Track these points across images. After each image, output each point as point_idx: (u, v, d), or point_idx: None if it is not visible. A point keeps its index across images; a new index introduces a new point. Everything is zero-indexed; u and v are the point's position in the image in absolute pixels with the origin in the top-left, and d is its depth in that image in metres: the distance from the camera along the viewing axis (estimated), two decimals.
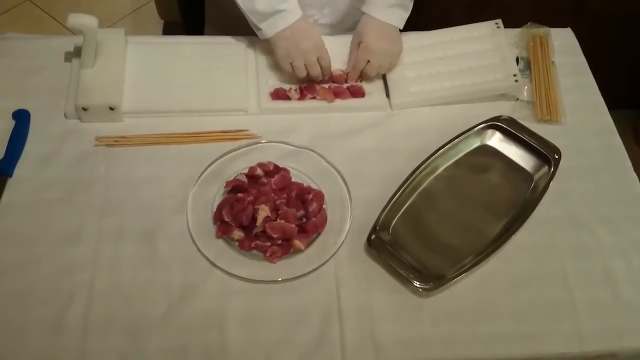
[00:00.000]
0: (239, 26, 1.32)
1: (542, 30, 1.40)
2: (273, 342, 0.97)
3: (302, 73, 1.24)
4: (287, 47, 1.23)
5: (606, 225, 1.13)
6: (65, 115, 1.21)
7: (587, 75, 1.36)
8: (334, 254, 1.06)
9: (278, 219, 1.06)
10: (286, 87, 1.26)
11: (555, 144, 1.18)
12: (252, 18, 1.24)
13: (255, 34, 1.31)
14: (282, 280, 1.03)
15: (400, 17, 1.29)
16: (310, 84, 1.27)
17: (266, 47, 1.32)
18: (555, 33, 1.41)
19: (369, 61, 1.25)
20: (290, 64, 1.24)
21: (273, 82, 1.28)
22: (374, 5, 1.27)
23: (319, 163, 1.17)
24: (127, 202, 1.11)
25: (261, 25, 1.24)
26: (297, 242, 1.05)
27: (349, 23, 1.40)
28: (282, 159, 1.17)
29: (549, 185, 1.13)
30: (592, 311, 1.03)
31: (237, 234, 1.06)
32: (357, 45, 1.28)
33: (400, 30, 1.30)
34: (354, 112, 1.26)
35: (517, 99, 1.30)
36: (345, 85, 1.28)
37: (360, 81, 1.29)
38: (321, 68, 1.25)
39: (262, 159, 1.15)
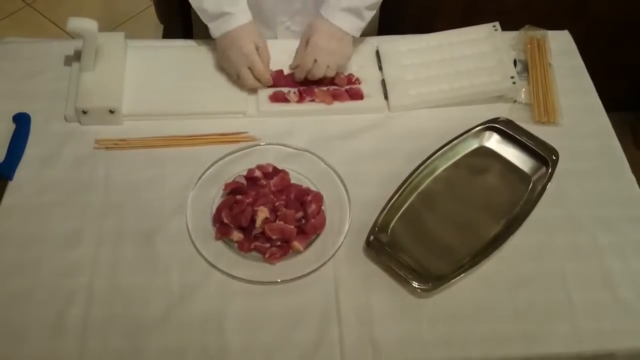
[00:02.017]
0: None
1: (540, 32, 1.41)
2: (272, 343, 0.98)
3: (233, 79, 1.27)
4: (220, 56, 1.27)
5: (604, 226, 1.13)
6: (65, 119, 1.22)
7: (585, 77, 1.37)
8: (332, 255, 1.06)
9: (277, 221, 1.06)
10: (285, 90, 1.27)
11: (552, 145, 1.18)
12: (201, 16, 1.25)
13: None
14: (281, 282, 1.03)
15: (353, 23, 1.27)
16: (309, 87, 1.27)
17: (270, 50, 1.33)
18: (552, 35, 1.42)
19: (315, 60, 1.24)
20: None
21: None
22: (327, 6, 1.27)
23: (318, 165, 1.18)
24: (127, 204, 1.11)
25: (209, 25, 1.25)
26: (296, 244, 1.06)
27: None
28: (281, 161, 1.18)
29: (546, 187, 1.13)
30: (590, 311, 1.03)
31: (237, 235, 1.06)
32: (304, 40, 1.28)
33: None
34: (353, 115, 1.26)
35: (515, 101, 1.30)
36: (344, 88, 1.28)
37: (359, 83, 1.29)
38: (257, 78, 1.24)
39: (261, 162, 1.16)
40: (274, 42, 1.36)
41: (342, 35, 1.27)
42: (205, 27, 1.28)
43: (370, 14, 1.29)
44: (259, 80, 1.25)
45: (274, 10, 1.34)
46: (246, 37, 1.24)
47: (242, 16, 1.24)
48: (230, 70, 1.26)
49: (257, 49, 1.24)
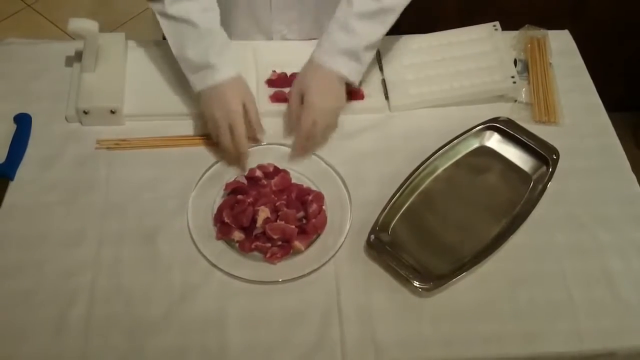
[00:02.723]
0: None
1: (540, 32, 1.41)
2: (273, 343, 0.98)
3: (213, 141, 1.15)
4: (202, 111, 1.16)
5: (605, 225, 1.14)
6: (66, 119, 1.22)
7: (585, 77, 1.37)
8: (333, 255, 1.06)
9: (278, 220, 1.06)
10: (285, 90, 1.27)
11: (553, 144, 1.18)
12: (182, 66, 1.15)
13: (253, 39, 1.32)
14: (283, 281, 1.03)
15: (351, 68, 1.16)
16: None
17: (266, 49, 1.33)
18: (552, 35, 1.42)
19: (315, 121, 1.14)
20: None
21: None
22: (322, 50, 1.16)
23: (319, 165, 1.18)
24: (128, 204, 1.11)
25: (190, 77, 1.15)
26: (297, 243, 1.06)
27: (317, 36, 1.38)
28: (282, 160, 1.18)
29: (547, 186, 1.13)
30: (591, 310, 1.04)
31: (238, 235, 1.06)
32: (298, 96, 1.16)
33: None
34: (353, 114, 1.26)
35: (515, 101, 1.31)
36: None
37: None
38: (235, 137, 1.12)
39: (262, 161, 1.16)
40: (271, 43, 1.36)
41: (338, 84, 1.16)
42: None
43: (369, 56, 1.18)
44: (235, 147, 1.12)
45: (270, 19, 1.33)
46: (234, 93, 1.12)
47: (229, 69, 1.13)
48: (210, 128, 1.14)
49: (244, 105, 1.13)
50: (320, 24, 1.35)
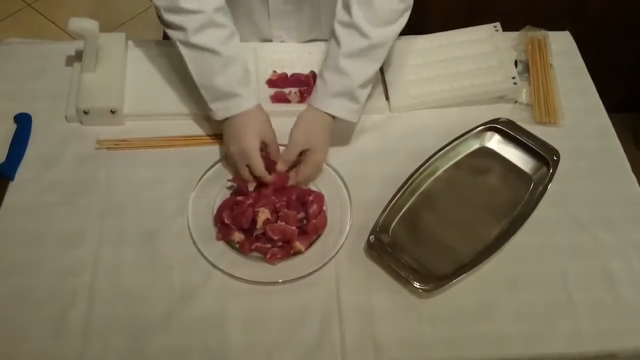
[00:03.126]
0: None
1: (541, 33, 1.41)
2: (273, 343, 0.98)
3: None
4: (224, 141, 1.14)
5: (605, 226, 1.14)
6: (66, 119, 1.22)
7: (585, 78, 1.37)
8: (334, 256, 1.06)
9: (278, 221, 1.06)
10: (286, 90, 1.27)
11: (553, 145, 1.18)
12: (205, 94, 1.14)
13: (253, 40, 1.32)
14: (283, 282, 1.03)
15: (348, 109, 1.15)
16: (310, 87, 1.27)
17: (266, 50, 1.33)
18: (553, 36, 1.42)
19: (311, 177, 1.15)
20: None
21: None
22: (318, 95, 1.14)
23: None
24: (128, 204, 1.11)
25: (213, 105, 1.13)
26: (298, 244, 1.06)
27: (313, 38, 1.37)
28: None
29: (547, 187, 1.13)
30: (591, 312, 1.03)
31: (238, 236, 1.06)
32: (300, 148, 1.12)
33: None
34: None
35: (516, 102, 1.31)
36: None
37: None
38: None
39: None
40: (271, 43, 1.36)
41: (330, 124, 1.15)
42: None
43: (365, 93, 1.17)
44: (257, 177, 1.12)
45: (268, 26, 1.33)
46: (251, 129, 1.10)
47: (252, 100, 1.13)
48: (230, 159, 1.14)
49: (263, 142, 1.12)
50: (317, 30, 1.35)
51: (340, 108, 1.14)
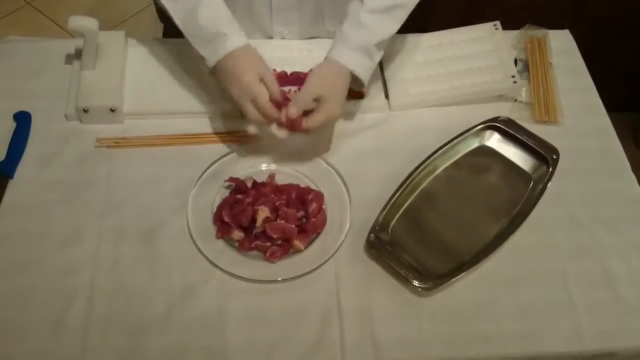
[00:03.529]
0: None
1: (540, 32, 1.41)
2: (273, 342, 0.98)
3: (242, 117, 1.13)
4: (222, 89, 1.14)
5: (605, 226, 1.14)
6: (66, 117, 1.22)
7: (585, 77, 1.37)
8: (333, 254, 1.06)
9: (278, 220, 1.06)
10: (285, 89, 1.27)
11: (553, 144, 1.18)
12: (194, 43, 1.12)
13: (254, 36, 1.31)
14: (282, 280, 1.03)
15: (363, 64, 1.14)
16: None
17: (266, 48, 1.32)
18: (553, 35, 1.42)
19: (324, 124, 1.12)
20: None
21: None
22: (336, 47, 1.14)
23: (319, 164, 1.18)
24: (128, 202, 1.11)
25: (204, 52, 1.11)
26: (297, 242, 1.06)
27: (315, 35, 1.37)
28: (281, 160, 1.18)
29: (547, 186, 1.13)
30: (591, 311, 1.04)
31: (237, 234, 1.06)
32: (313, 95, 1.10)
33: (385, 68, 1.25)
34: (354, 114, 1.26)
35: (516, 100, 1.30)
36: None
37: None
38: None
39: (262, 161, 1.17)
40: (271, 41, 1.36)
41: (348, 78, 1.14)
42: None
43: (379, 55, 1.17)
44: (264, 116, 1.09)
45: (270, 20, 1.33)
46: (246, 65, 1.09)
47: (240, 38, 1.11)
48: (234, 105, 1.13)
49: (261, 79, 1.09)
50: (320, 26, 1.35)
51: (357, 62, 1.13)
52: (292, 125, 1.10)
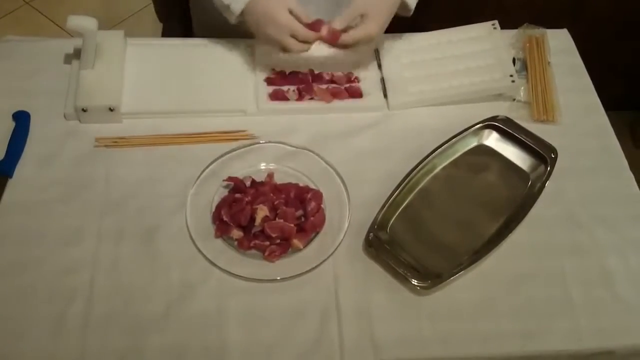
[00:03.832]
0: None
1: (539, 31, 1.41)
2: (272, 341, 0.98)
3: (277, 51, 1.20)
4: (255, 32, 1.20)
5: (603, 224, 1.14)
6: (65, 117, 1.22)
7: (583, 76, 1.37)
8: (332, 253, 1.06)
9: (277, 219, 1.06)
10: (284, 88, 1.27)
11: (551, 143, 1.18)
12: None
13: (252, 37, 1.32)
14: (281, 279, 1.03)
15: None
16: (308, 85, 1.27)
17: (265, 47, 1.33)
18: (551, 34, 1.42)
19: (372, 37, 1.18)
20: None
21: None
22: None
23: (318, 163, 1.18)
24: (127, 202, 1.11)
25: (228, 1, 1.17)
26: (296, 242, 1.06)
27: (333, 16, 1.37)
28: (280, 159, 1.18)
29: (545, 185, 1.13)
30: (589, 309, 1.04)
31: (236, 233, 1.07)
32: (357, 14, 1.18)
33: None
34: (352, 113, 1.27)
35: (514, 99, 1.31)
36: (343, 86, 1.28)
37: (358, 81, 1.29)
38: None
39: (261, 160, 1.17)
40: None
41: (397, 1, 1.21)
42: (209, 25, 1.22)
43: None
44: (305, 43, 1.18)
45: None
46: (274, 4, 1.15)
47: None
48: (272, 44, 1.19)
49: (290, 12, 1.16)
50: (336, 3, 1.34)
51: None
52: (332, 39, 1.16)
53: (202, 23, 1.52)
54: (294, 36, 1.16)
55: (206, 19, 1.42)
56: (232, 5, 1.17)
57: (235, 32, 1.31)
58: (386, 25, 1.21)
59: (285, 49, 1.18)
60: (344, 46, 1.19)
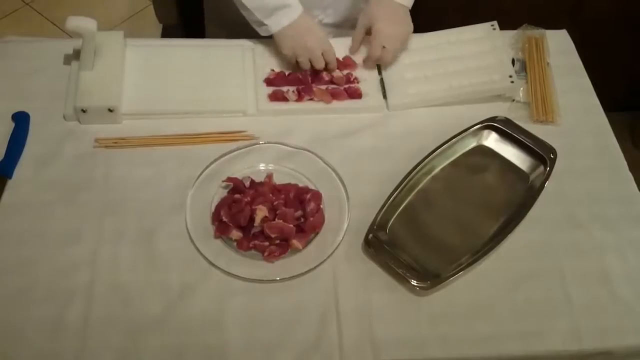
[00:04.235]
0: (238, 30, 1.33)
1: (538, 31, 1.41)
2: (271, 341, 0.98)
3: (307, 67, 1.28)
4: (292, 45, 1.26)
5: (602, 224, 1.14)
6: (64, 117, 1.22)
7: (583, 77, 1.37)
8: (331, 254, 1.06)
9: (276, 219, 1.07)
10: (284, 89, 1.27)
11: (550, 144, 1.19)
12: (257, 14, 1.25)
13: (253, 36, 1.32)
14: (280, 280, 1.03)
15: None
16: (308, 85, 1.27)
17: (264, 48, 1.33)
18: (550, 35, 1.42)
19: (384, 47, 1.26)
20: (296, 59, 1.27)
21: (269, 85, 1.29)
22: None
23: (317, 164, 1.18)
24: (126, 203, 1.11)
25: (266, 21, 1.25)
26: (295, 242, 1.06)
27: (352, 22, 1.39)
28: (279, 159, 1.18)
29: (544, 185, 1.14)
30: (588, 309, 1.04)
31: (236, 234, 1.07)
32: (363, 29, 1.30)
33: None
34: (352, 114, 1.27)
35: (513, 100, 1.31)
36: (342, 87, 1.28)
37: (357, 82, 1.30)
38: (326, 62, 1.28)
39: (260, 160, 1.17)
40: (269, 42, 1.36)
41: (402, 13, 1.29)
42: (221, 18, 1.26)
43: None
44: (329, 64, 1.28)
45: (307, 4, 1.34)
46: (314, 24, 1.28)
47: (299, 7, 1.26)
48: (303, 57, 1.26)
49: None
50: (355, 7, 1.37)
51: None
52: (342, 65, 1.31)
53: (216, 17, 1.54)
54: (324, 54, 1.26)
55: (220, 13, 1.44)
56: (270, 26, 1.26)
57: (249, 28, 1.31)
58: (398, 32, 1.29)
59: (310, 61, 1.27)
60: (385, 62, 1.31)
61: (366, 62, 1.31)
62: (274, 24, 1.25)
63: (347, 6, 1.38)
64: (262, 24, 1.26)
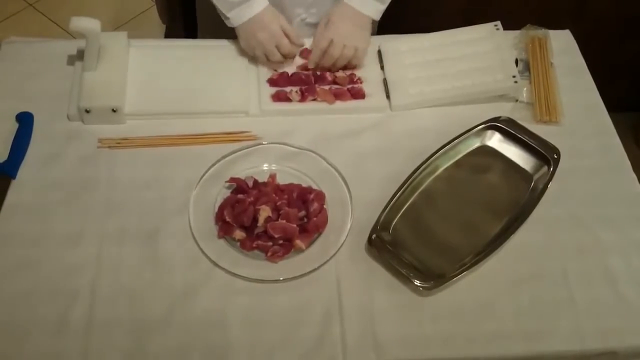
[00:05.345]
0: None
1: (541, 32, 1.41)
2: (275, 341, 0.98)
3: (263, 61, 1.30)
4: (245, 39, 1.29)
5: (606, 225, 1.14)
6: (68, 118, 1.22)
7: (586, 77, 1.37)
8: (335, 254, 1.07)
9: (279, 219, 1.07)
10: (287, 89, 1.27)
11: (554, 144, 1.18)
12: (221, 7, 1.27)
13: None
14: (284, 280, 1.03)
15: (374, 7, 1.31)
16: (311, 86, 1.27)
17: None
18: (554, 35, 1.42)
19: (332, 40, 1.27)
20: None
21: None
22: None
23: (320, 164, 1.18)
24: (130, 203, 1.11)
25: (229, 14, 1.27)
26: (299, 242, 1.06)
27: None
28: (283, 160, 1.18)
29: (548, 185, 1.13)
30: (592, 310, 1.04)
31: (239, 234, 1.07)
32: (323, 25, 1.31)
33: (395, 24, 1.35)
34: (355, 114, 1.27)
35: (517, 100, 1.31)
36: (346, 87, 1.28)
37: (360, 82, 1.30)
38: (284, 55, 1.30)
39: (264, 161, 1.17)
40: None
41: (362, 19, 1.30)
42: (215, 25, 1.27)
43: None
44: (285, 57, 1.30)
45: (290, 2, 1.34)
46: (271, 19, 1.28)
47: (263, 1, 1.27)
48: (257, 51, 1.28)
49: (282, 29, 1.29)
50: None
51: (370, 7, 1.30)
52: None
53: (208, 24, 1.53)
54: (277, 47, 1.28)
55: (212, 20, 1.43)
56: (232, 18, 1.27)
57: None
58: (350, 30, 1.29)
59: (268, 56, 1.28)
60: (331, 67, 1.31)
61: (312, 55, 1.31)
62: (236, 18, 1.27)
63: (331, 5, 1.36)
64: (226, 17, 1.29)
